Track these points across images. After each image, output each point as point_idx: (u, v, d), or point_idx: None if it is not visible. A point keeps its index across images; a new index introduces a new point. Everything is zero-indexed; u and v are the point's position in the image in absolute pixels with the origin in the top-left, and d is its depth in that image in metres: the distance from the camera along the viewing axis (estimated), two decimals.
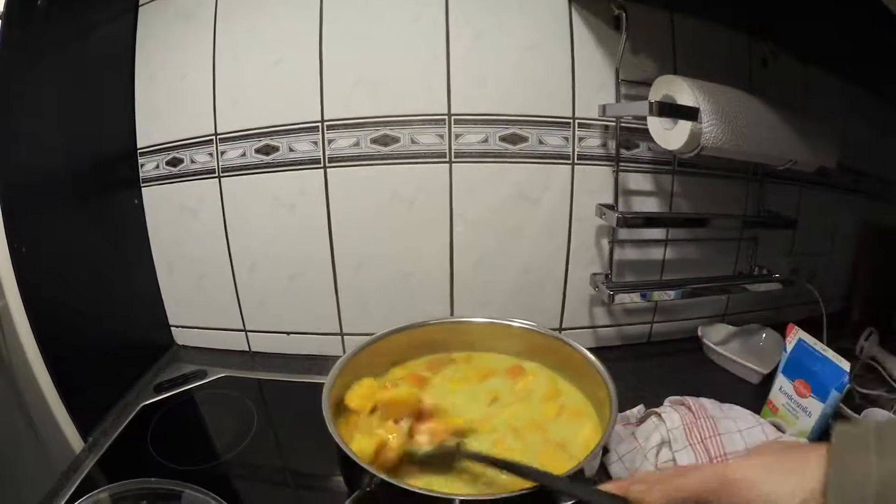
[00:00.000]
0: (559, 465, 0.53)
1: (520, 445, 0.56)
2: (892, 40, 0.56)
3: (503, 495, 0.47)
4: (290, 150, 0.74)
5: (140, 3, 0.76)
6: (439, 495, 0.46)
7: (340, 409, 0.57)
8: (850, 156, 0.82)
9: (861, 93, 0.88)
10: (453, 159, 0.74)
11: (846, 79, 0.87)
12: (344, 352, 0.62)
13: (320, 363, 0.77)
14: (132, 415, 0.68)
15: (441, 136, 0.73)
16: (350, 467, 0.47)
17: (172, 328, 0.86)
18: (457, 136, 0.73)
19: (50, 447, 0.63)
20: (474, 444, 0.54)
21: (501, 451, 0.54)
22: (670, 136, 0.67)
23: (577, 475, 0.48)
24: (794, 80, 0.84)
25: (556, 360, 0.66)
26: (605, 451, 0.61)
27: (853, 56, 0.80)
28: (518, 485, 0.45)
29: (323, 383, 0.55)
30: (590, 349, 0.61)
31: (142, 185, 0.80)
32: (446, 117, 0.72)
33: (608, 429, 0.52)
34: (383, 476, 0.45)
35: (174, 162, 0.78)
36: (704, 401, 0.64)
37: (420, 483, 0.49)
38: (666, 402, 0.65)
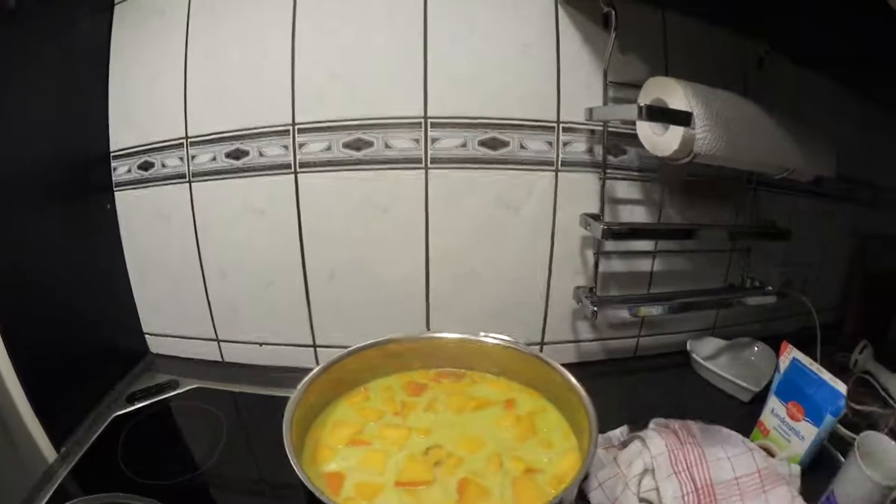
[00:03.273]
0: (536, 494, 0.48)
1: (496, 470, 0.51)
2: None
3: None
4: (261, 154, 0.68)
5: (115, 1, 0.70)
6: None
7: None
8: (845, 163, 0.76)
9: (858, 98, 0.82)
10: (429, 165, 0.68)
11: (844, 83, 0.80)
12: (317, 363, 0.58)
13: (294, 375, 0.71)
14: (104, 425, 0.64)
15: (417, 141, 0.67)
16: (312, 497, 0.42)
17: (147, 336, 0.80)
18: (433, 140, 0.67)
19: (24, 457, 0.59)
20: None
21: (478, 478, 0.50)
22: (661, 141, 0.60)
23: None
24: (791, 83, 0.76)
25: (536, 379, 0.60)
26: (586, 476, 0.55)
27: (852, 59, 0.73)
28: None
29: None
30: (573, 364, 0.56)
31: (114, 189, 0.74)
32: (422, 120, 0.66)
33: (587, 459, 0.46)
34: None
35: (146, 166, 0.73)
36: (691, 424, 0.59)
37: None
38: (650, 425, 0.59)
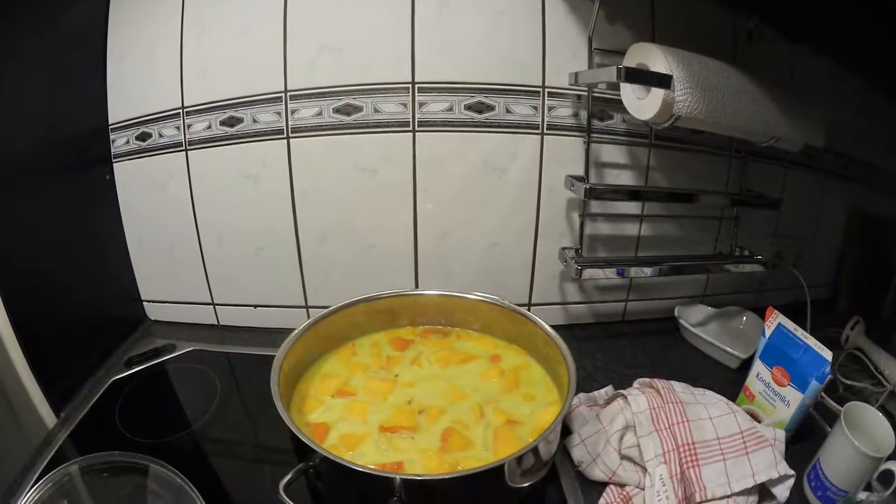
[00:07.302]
0: (515, 443, 0.48)
1: (478, 421, 0.52)
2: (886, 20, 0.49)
3: (444, 475, 0.44)
4: (254, 121, 0.69)
5: None
6: (378, 473, 0.43)
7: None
8: (841, 140, 0.75)
9: (852, 76, 0.80)
10: (417, 128, 0.68)
11: (836, 61, 0.79)
12: None
13: (287, 336, 0.72)
14: (102, 389, 0.65)
15: (404, 105, 0.67)
16: (297, 441, 0.43)
17: (144, 303, 0.81)
18: (420, 104, 0.67)
19: (25, 422, 0.60)
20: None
21: (462, 427, 0.50)
22: (643, 105, 0.60)
23: (529, 455, 0.43)
24: (782, 59, 0.76)
25: (520, 335, 0.61)
26: (569, 432, 0.55)
27: (843, 36, 0.72)
28: None
29: None
30: (561, 326, 0.56)
31: (113, 160, 0.75)
32: (410, 86, 0.67)
33: (563, 408, 0.47)
34: (325, 453, 0.42)
35: (143, 136, 0.74)
36: (675, 384, 0.58)
37: None
38: (634, 385, 0.59)
